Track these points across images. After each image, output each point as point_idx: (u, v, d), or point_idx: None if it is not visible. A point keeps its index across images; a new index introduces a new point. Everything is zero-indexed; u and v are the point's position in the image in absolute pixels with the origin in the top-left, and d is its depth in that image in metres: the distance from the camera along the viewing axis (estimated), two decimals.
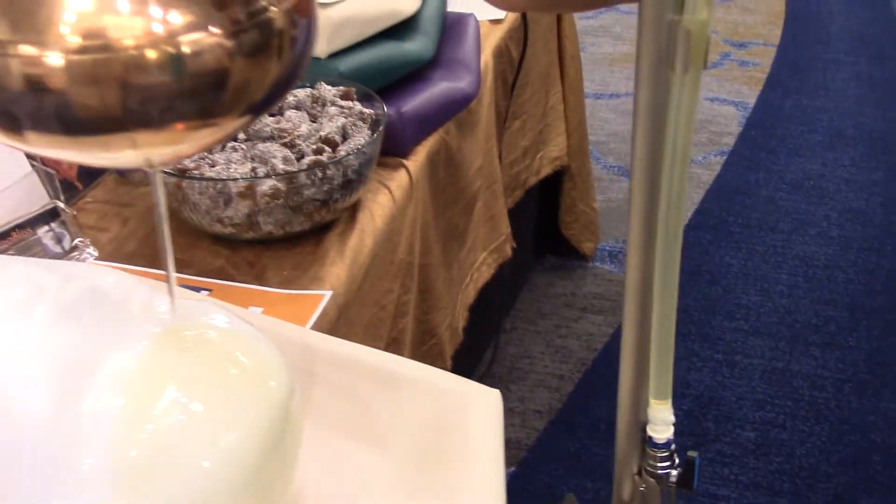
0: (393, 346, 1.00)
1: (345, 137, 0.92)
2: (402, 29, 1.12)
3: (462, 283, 1.28)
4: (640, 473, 0.51)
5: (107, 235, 0.93)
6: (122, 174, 1.03)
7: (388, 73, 1.07)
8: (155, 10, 0.30)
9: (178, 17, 0.30)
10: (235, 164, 0.86)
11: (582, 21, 3.03)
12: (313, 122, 0.93)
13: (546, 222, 1.87)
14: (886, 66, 2.90)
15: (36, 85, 0.31)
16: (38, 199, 0.93)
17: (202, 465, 0.43)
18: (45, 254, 0.87)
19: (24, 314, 0.40)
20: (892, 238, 2.09)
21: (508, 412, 1.61)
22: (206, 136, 0.34)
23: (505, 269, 1.43)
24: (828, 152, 2.43)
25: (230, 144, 0.90)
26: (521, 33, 1.40)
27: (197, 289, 0.83)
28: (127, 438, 0.41)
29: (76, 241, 0.89)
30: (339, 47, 1.03)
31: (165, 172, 0.86)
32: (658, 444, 0.50)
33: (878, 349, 1.78)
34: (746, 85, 2.81)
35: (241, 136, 0.90)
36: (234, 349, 0.45)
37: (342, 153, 0.88)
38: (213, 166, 0.87)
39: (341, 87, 0.97)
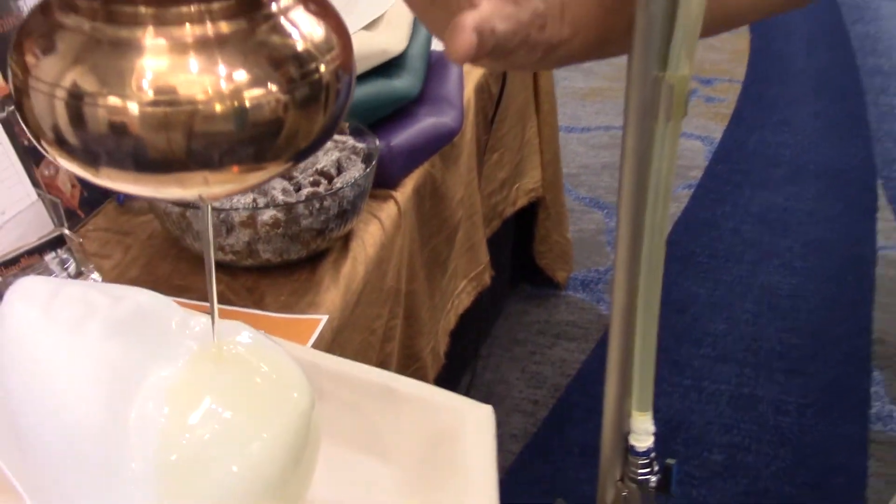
0: (381, 368, 1.05)
1: (339, 170, 0.97)
2: (390, 67, 1.18)
3: (444, 310, 1.33)
4: (622, 480, 0.57)
5: (109, 262, 0.97)
6: (122, 202, 1.07)
7: (379, 109, 1.12)
8: (222, 69, 0.36)
9: (242, 75, 0.36)
10: (237, 194, 0.91)
11: None
12: None
13: (521, 252, 1.93)
14: (846, 104, 3.02)
15: (116, 130, 0.36)
16: (43, 226, 0.97)
17: (231, 470, 0.48)
18: None
19: (79, 330, 0.45)
20: (852, 269, 2.18)
21: None
22: (256, 177, 0.39)
23: (483, 296, 1.49)
24: (790, 186, 2.53)
25: None
26: (501, 71, 1.46)
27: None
28: (168, 444, 0.46)
29: (81, 267, 0.93)
30: None
31: (167, 202, 0.91)
32: (639, 452, 0.55)
33: (839, 375, 1.85)
34: (713, 120, 2.90)
35: None
36: (261, 364, 0.50)
37: (338, 185, 0.94)
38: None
39: None
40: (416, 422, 0.63)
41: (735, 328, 1.99)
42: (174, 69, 0.36)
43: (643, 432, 0.55)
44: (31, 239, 0.93)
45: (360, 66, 1.13)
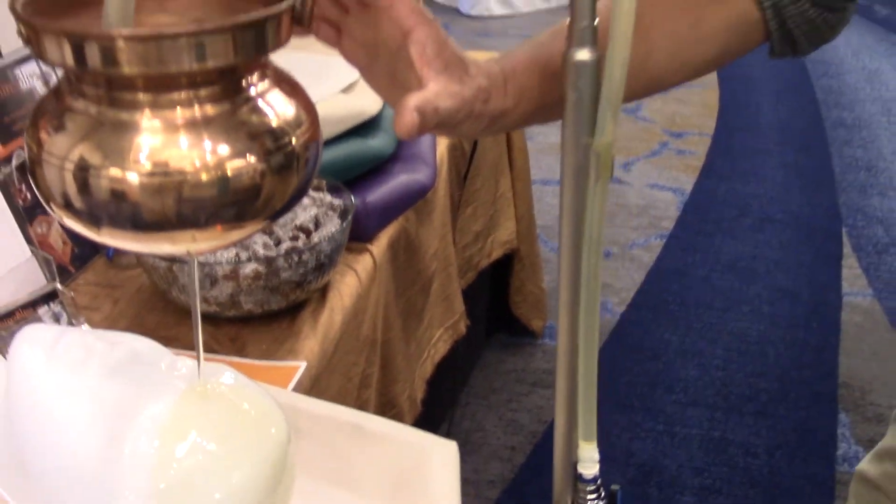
0: None
1: (317, 225, 1.03)
2: (366, 127, 1.25)
3: (420, 358, 1.39)
4: None
5: (99, 315, 1.03)
6: (111, 258, 1.13)
7: (355, 167, 1.19)
8: (207, 145, 0.42)
9: (225, 149, 0.42)
10: (221, 249, 0.97)
11: None
12: None
13: (497, 302, 1.99)
14: (812, 155, 3.12)
15: (117, 197, 0.42)
16: (36, 281, 1.02)
17: (215, 497, 0.53)
18: None
19: (79, 371, 0.50)
20: (817, 315, 2.25)
21: (464, 482, 1.69)
22: (237, 235, 0.45)
23: (459, 345, 1.54)
24: (759, 235, 2.61)
25: None
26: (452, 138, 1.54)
27: None
28: (159, 474, 0.51)
29: (73, 320, 0.98)
30: None
31: (157, 257, 0.97)
32: (587, 479, 0.61)
33: (806, 418, 1.91)
34: (684, 172, 2.99)
35: None
36: (243, 402, 0.55)
37: (315, 240, 1.00)
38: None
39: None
40: (385, 457, 0.69)
41: (706, 373, 2.05)
42: (167, 145, 0.42)
43: (590, 460, 0.60)
44: (25, 293, 0.98)
45: (338, 127, 1.20)
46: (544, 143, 3.18)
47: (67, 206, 0.43)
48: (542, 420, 1.91)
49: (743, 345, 2.13)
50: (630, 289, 2.35)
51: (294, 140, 0.44)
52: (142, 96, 0.41)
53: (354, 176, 1.19)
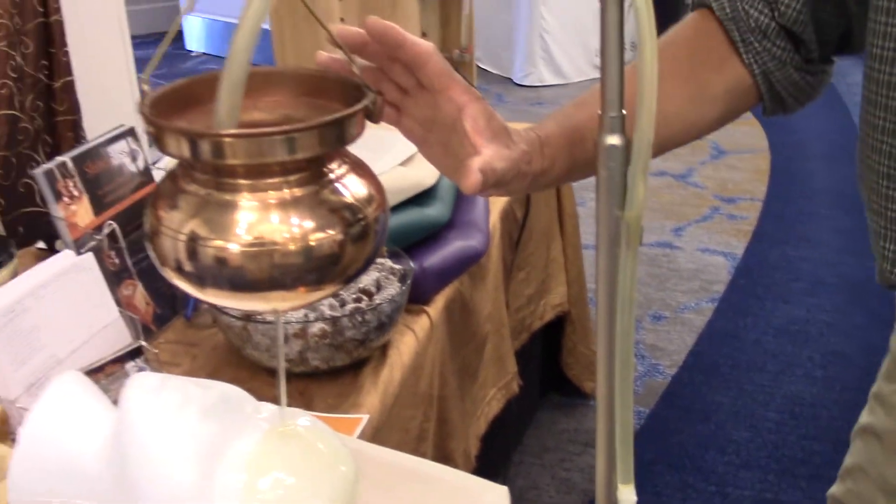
0: None
1: (378, 288, 1.12)
2: (423, 197, 1.35)
3: (474, 415, 1.45)
4: None
5: (179, 370, 1.12)
6: (189, 318, 1.23)
7: (413, 234, 1.28)
8: (294, 220, 0.51)
9: (309, 224, 0.51)
10: (303, 308, 1.06)
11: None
12: None
13: (550, 363, 2.05)
14: (863, 218, 3.13)
15: (220, 263, 0.51)
16: (123, 339, 1.12)
17: None
18: None
19: (179, 413, 0.59)
20: (871, 378, 2.25)
21: None
22: (317, 296, 0.53)
23: (513, 404, 1.60)
24: (811, 298, 2.63)
25: None
26: (525, 197, 1.62)
27: None
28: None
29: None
30: None
31: (232, 316, 1.06)
32: None
33: None
34: (735, 237, 3.03)
35: None
36: (317, 441, 0.63)
37: (377, 301, 1.08)
38: None
39: None
40: (440, 499, 0.76)
41: (758, 435, 2.07)
42: (261, 221, 0.51)
43: (628, 502, 0.66)
44: (113, 350, 1.08)
45: (398, 197, 1.29)
46: (594, 210, 3.25)
47: (179, 269, 0.52)
48: (594, 480, 1.94)
49: (796, 408, 2.15)
50: (681, 351, 2.39)
51: (367, 215, 0.52)
52: (242, 182, 0.50)
53: (413, 242, 1.28)
